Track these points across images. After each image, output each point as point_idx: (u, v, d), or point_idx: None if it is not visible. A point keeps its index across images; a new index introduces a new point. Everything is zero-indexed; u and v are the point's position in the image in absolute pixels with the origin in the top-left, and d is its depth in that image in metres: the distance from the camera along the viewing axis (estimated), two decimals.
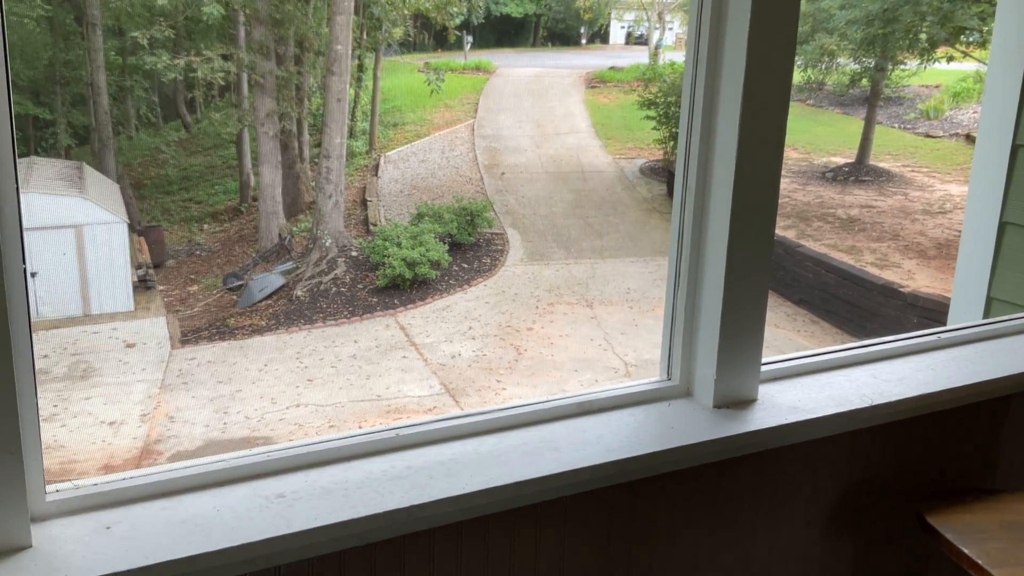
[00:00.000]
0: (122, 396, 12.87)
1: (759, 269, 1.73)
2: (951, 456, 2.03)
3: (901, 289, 13.93)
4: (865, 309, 14.39)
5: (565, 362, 13.84)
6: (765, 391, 1.83)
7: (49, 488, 1.35)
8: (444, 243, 17.09)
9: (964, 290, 2.71)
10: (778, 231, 16.82)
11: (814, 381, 1.92)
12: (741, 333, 1.75)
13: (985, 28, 16.36)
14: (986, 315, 2.60)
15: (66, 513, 1.34)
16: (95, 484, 1.38)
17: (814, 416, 1.76)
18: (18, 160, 1.22)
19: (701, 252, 1.75)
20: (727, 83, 1.65)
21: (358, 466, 1.51)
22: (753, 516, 1.79)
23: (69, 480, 1.38)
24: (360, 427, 12.12)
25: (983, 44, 17.13)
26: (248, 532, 1.31)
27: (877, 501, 1.94)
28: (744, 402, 1.79)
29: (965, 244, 2.77)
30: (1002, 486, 2.08)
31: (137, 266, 16.64)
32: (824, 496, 1.87)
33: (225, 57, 18.94)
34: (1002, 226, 2.65)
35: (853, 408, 1.80)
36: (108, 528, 1.32)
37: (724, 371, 1.75)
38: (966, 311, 2.66)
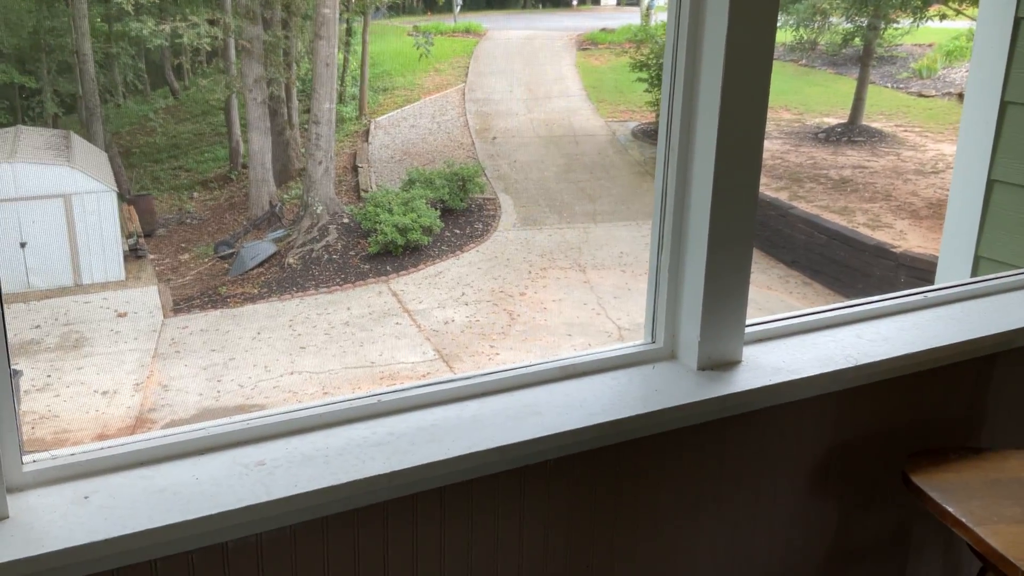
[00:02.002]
0: (115, 365, 12.87)
1: (742, 231, 1.72)
2: (936, 415, 2.03)
3: (893, 249, 13.95)
4: (857, 270, 14.42)
5: (558, 326, 13.87)
6: (749, 353, 1.82)
7: (26, 459, 1.34)
8: (436, 209, 17.03)
9: (952, 249, 2.70)
10: (771, 193, 16.78)
11: (799, 342, 1.91)
12: (725, 295, 1.74)
13: None
14: (974, 274, 2.60)
15: (43, 483, 1.33)
16: (72, 454, 1.37)
17: (798, 377, 1.75)
18: (5, 129, 1.19)
19: (684, 215, 1.73)
20: (709, 42, 1.62)
21: (340, 432, 1.50)
22: (738, 477, 1.79)
23: (47, 451, 1.37)
24: (354, 393, 12.16)
25: (976, 2, 16.98)
26: (227, 500, 1.31)
27: (863, 461, 1.94)
28: (728, 364, 1.78)
29: (953, 202, 2.75)
30: (987, 444, 2.09)
31: (127, 235, 16.56)
32: (809, 456, 1.87)
33: (211, 22, 18.71)
34: (990, 184, 2.64)
35: (838, 368, 1.80)
36: (86, 498, 1.31)
37: (708, 333, 1.74)
38: (954, 270, 2.65)
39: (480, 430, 1.52)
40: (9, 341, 1.28)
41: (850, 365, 1.81)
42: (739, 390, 1.69)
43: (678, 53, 1.67)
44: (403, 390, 1.61)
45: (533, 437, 1.51)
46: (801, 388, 1.76)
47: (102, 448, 1.39)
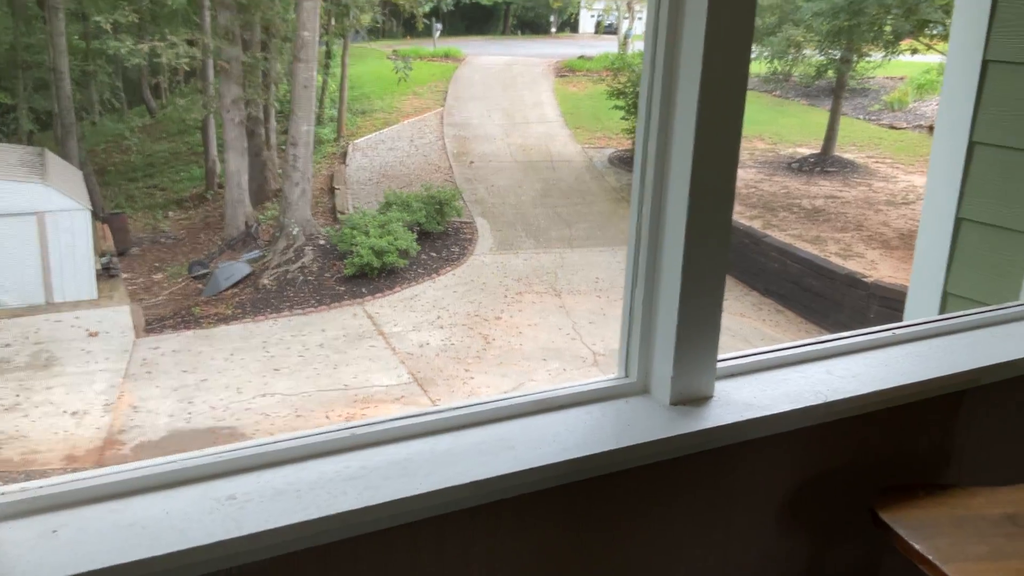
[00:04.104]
0: (85, 386, 12.72)
1: (715, 268, 1.74)
2: (905, 451, 2.05)
3: (864, 279, 14.11)
4: (829, 299, 14.56)
5: (534, 351, 13.88)
6: (721, 388, 1.84)
7: None
8: (413, 232, 17.05)
9: (920, 285, 2.74)
10: (744, 221, 16.94)
11: (770, 377, 1.93)
12: (698, 331, 1.75)
13: (948, 21, 16.54)
14: (942, 310, 2.64)
15: (11, 516, 1.32)
16: (40, 487, 1.36)
17: (769, 413, 1.77)
18: None
19: (658, 252, 1.75)
20: (685, 74, 1.64)
21: (312, 466, 1.50)
22: (709, 513, 1.80)
23: (16, 484, 1.36)
24: (327, 417, 12.07)
25: (947, 37, 17.31)
26: (197, 535, 1.30)
27: (832, 497, 1.96)
28: (700, 399, 1.80)
29: (922, 240, 2.80)
30: (955, 481, 2.12)
31: (100, 254, 16.43)
32: (780, 492, 1.89)
33: (190, 42, 18.71)
34: (958, 222, 2.69)
35: (808, 405, 1.82)
36: (54, 532, 1.30)
37: (681, 369, 1.76)
38: (922, 306, 2.69)
39: (453, 465, 1.53)
40: None
41: (820, 402, 1.83)
42: (710, 426, 1.71)
43: (654, 85, 1.70)
44: (377, 423, 1.61)
45: (506, 472, 1.52)
46: (772, 424, 1.78)
47: (72, 480, 1.38)
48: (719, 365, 1.85)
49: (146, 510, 1.36)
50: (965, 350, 2.17)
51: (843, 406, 1.86)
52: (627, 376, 1.85)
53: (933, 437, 2.09)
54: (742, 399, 1.81)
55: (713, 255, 1.73)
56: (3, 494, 1.34)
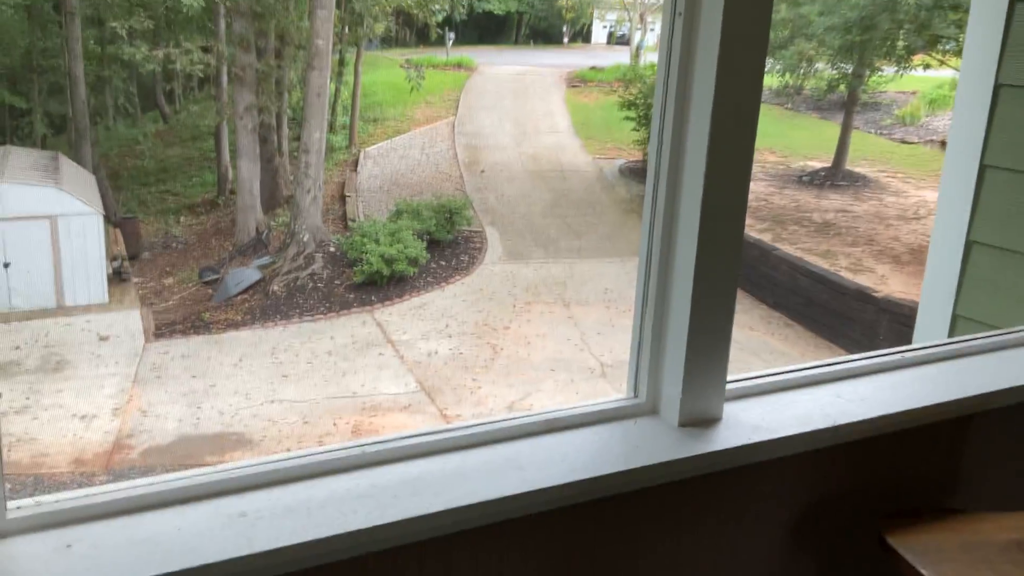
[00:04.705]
0: (94, 389, 12.78)
1: (726, 290, 1.75)
2: (913, 476, 2.06)
3: (874, 294, 14.08)
4: (839, 313, 14.53)
5: (541, 362, 13.89)
6: (730, 409, 1.85)
7: (11, 504, 1.34)
8: (422, 240, 17.09)
9: (930, 307, 2.74)
10: (754, 234, 16.92)
11: (778, 400, 1.94)
12: (707, 353, 1.76)
13: (961, 37, 16.53)
14: (951, 333, 2.64)
15: (27, 530, 1.34)
16: (56, 500, 1.37)
17: (777, 436, 1.78)
18: None
19: (669, 273, 1.76)
20: (698, 87, 1.66)
21: (322, 484, 1.51)
22: (716, 535, 1.81)
23: (32, 498, 1.37)
24: (335, 424, 12.10)
25: (959, 53, 17.30)
26: (208, 552, 1.31)
27: (839, 520, 1.97)
28: (709, 421, 1.80)
29: (932, 261, 2.81)
30: (962, 506, 2.12)
31: (112, 258, 16.52)
32: (786, 515, 1.89)
33: (205, 49, 18.82)
34: (969, 244, 2.69)
35: (816, 428, 1.82)
36: (69, 546, 1.31)
37: (690, 390, 1.77)
38: (932, 328, 2.70)
39: (462, 484, 1.54)
40: None
41: (828, 425, 1.83)
42: (719, 448, 1.72)
43: (666, 106, 1.71)
44: (387, 441, 1.62)
45: (514, 493, 1.53)
46: (780, 447, 1.79)
47: (86, 495, 1.39)
48: (728, 387, 1.86)
49: (159, 526, 1.37)
50: (974, 374, 2.17)
51: (851, 430, 1.87)
52: (636, 396, 1.86)
53: (941, 461, 2.10)
54: (750, 421, 1.82)
55: (724, 277, 1.74)
56: (19, 508, 1.35)
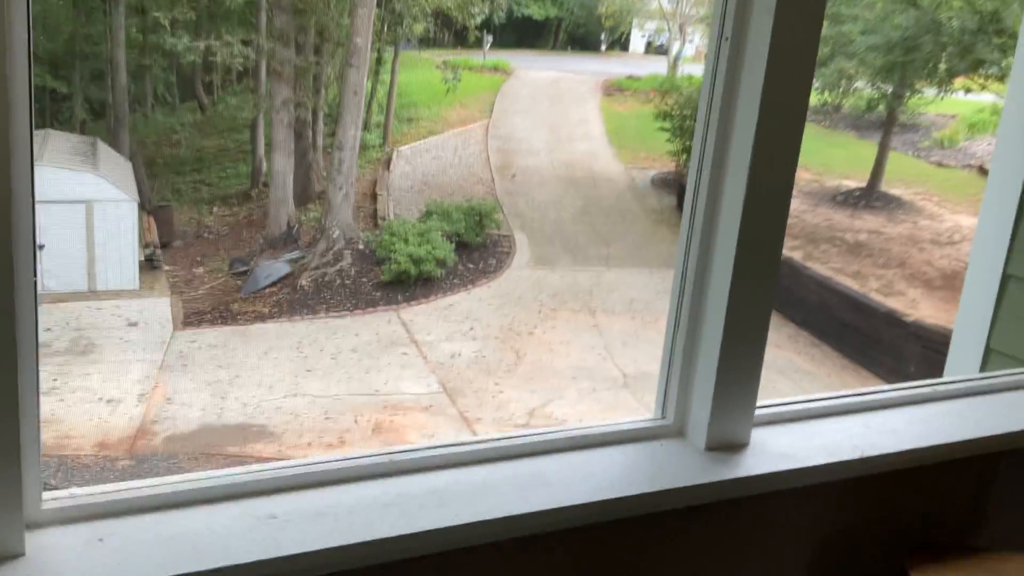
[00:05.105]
0: (121, 374, 12.93)
1: (760, 315, 1.75)
2: (939, 511, 2.04)
3: (904, 318, 13.93)
4: (867, 335, 14.39)
5: (564, 369, 13.87)
6: (757, 436, 1.84)
7: (45, 496, 1.37)
8: (451, 242, 17.13)
9: (963, 339, 2.72)
10: (785, 251, 16.79)
11: (807, 428, 1.93)
12: (738, 377, 1.76)
13: (1005, 62, 16.34)
14: (984, 366, 2.61)
15: (60, 522, 1.36)
16: (90, 494, 1.40)
17: (805, 465, 1.77)
18: (34, 132, 1.22)
19: (703, 294, 1.76)
20: (743, 105, 1.66)
21: (351, 490, 1.53)
22: (738, 561, 1.80)
23: (66, 489, 1.40)
24: (356, 421, 12.15)
25: (1001, 78, 17.13)
26: (238, 553, 1.33)
27: (862, 552, 1.95)
28: (736, 446, 1.80)
29: (967, 292, 2.78)
30: (988, 544, 2.10)
31: (145, 245, 16.71)
32: (810, 544, 1.89)
33: (245, 43, 19.00)
34: (1006, 278, 2.66)
35: (844, 459, 1.81)
36: (101, 540, 1.34)
37: (718, 414, 1.77)
38: (964, 360, 2.67)
39: (489, 497, 1.55)
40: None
41: (856, 456, 1.83)
42: (746, 475, 1.71)
43: (710, 125, 1.71)
44: (415, 450, 1.64)
45: (540, 509, 1.53)
46: (806, 476, 1.78)
47: (119, 490, 1.42)
48: (756, 412, 1.85)
49: (190, 524, 1.39)
50: (1005, 411, 2.15)
51: (879, 462, 1.86)
52: (663, 417, 1.86)
53: (968, 498, 2.08)
54: (778, 449, 1.81)
55: (759, 302, 1.74)
56: (54, 499, 1.38)
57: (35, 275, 1.28)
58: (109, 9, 20.36)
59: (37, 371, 1.32)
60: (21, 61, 1.18)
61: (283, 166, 18.63)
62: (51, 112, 22.77)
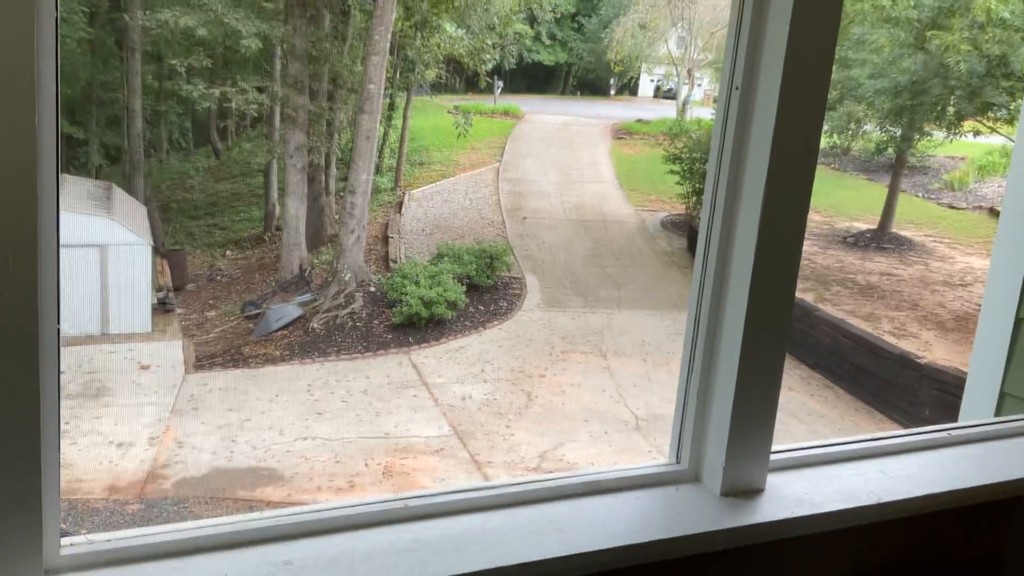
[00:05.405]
0: (133, 418, 12.94)
1: (773, 359, 1.75)
2: (955, 557, 2.02)
3: (918, 360, 13.85)
4: (881, 377, 14.30)
5: (576, 411, 13.81)
6: (773, 481, 1.84)
7: (64, 541, 1.37)
8: (462, 284, 17.18)
9: (977, 383, 2.71)
10: (797, 293, 16.79)
11: (822, 474, 1.92)
12: (753, 422, 1.76)
13: (1013, 104, 16.42)
14: (999, 411, 2.60)
15: (78, 568, 1.37)
16: (108, 540, 1.41)
17: (821, 511, 1.76)
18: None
19: (716, 338, 1.77)
20: (750, 176, 1.68)
21: (365, 536, 1.53)
22: None
23: (83, 535, 1.41)
24: (366, 465, 12.10)
25: (1010, 120, 17.19)
26: None
27: None
28: (752, 491, 1.80)
29: (981, 336, 2.78)
30: None
31: (158, 288, 16.80)
32: None
33: (260, 89, 19.26)
34: (1018, 321, 2.66)
35: (860, 505, 1.81)
36: None
37: (733, 459, 1.76)
38: (979, 405, 2.66)
39: (504, 544, 1.55)
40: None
41: (873, 502, 1.82)
42: (762, 521, 1.71)
43: (720, 173, 1.73)
44: (430, 495, 1.64)
45: (555, 556, 1.53)
46: (822, 522, 1.77)
47: (136, 536, 1.42)
48: (772, 456, 1.85)
49: (206, 571, 1.40)
50: (1021, 456, 2.15)
51: (895, 508, 1.85)
52: (678, 462, 1.86)
53: (985, 544, 2.06)
54: (794, 494, 1.81)
55: (773, 346, 1.74)
56: (72, 544, 1.39)
57: (58, 322, 1.30)
58: (126, 56, 20.71)
59: (59, 419, 1.33)
60: (49, 112, 1.21)
61: (296, 210, 18.78)
62: (67, 157, 23.04)
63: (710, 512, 1.71)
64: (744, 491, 1.79)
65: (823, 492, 1.84)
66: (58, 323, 1.29)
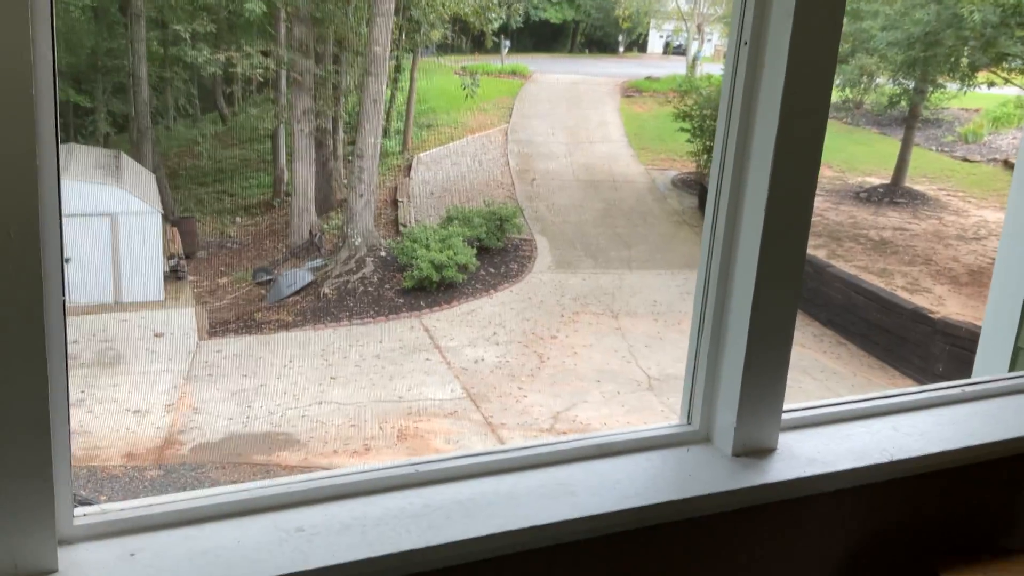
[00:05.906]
0: (148, 385, 13.04)
1: (785, 317, 1.74)
2: (970, 513, 2.02)
3: (931, 315, 13.79)
4: (894, 333, 14.26)
5: (588, 372, 13.84)
6: (784, 440, 1.83)
7: (77, 512, 1.38)
8: (472, 247, 17.15)
9: (992, 338, 2.69)
10: (809, 250, 16.69)
11: (834, 432, 1.92)
12: (764, 381, 1.75)
13: None
14: (1013, 366, 2.58)
15: (92, 537, 1.37)
16: (121, 509, 1.41)
17: (833, 470, 1.76)
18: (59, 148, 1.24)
19: (727, 299, 1.75)
20: (760, 131, 1.65)
21: (377, 501, 1.53)
22: (766, 567, 1.79)
23: (97, 504, 1.42)
24: (381, 428, 12.19)
25: None
26: (267, 567, 1.34)
27: (892, 557, 1.93)
28: (763, 451, 1.79)
29: (995, 291, 2.75)
30: (1020, 545, 2.07)
31: (169, 256, 16.83)
32: (840, 549, 1.87)
33: (265, 53, 19.12)
34: None
35: (872, 463, 1.80)
36: (132, 555, 1.35)
37: (745, 419, 1.76)
38: (993, 360, 2.64)
39: (514, 507, 1.55)
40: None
41: (885, 460, 1.81)
42: (773, 480, 1.70)
43: (730, 129, 1.70)
44: (441, 460, 1.64)
45: (566, 518, 1.53)
46: (835, 480, 1.77)
47: (150, 504, 1.43)
48: (783, 416, 1.84)
49: (220, 537, 1.40)
50: None
51: (908, 465, 1.84)
52: (689, 423, 1.85)
53: (999, 500, 2.05)
54: (806, 453, 1.80)
55: (784, 305, 1.73)
56: (85, 515, 1.39)
57: (64, 292, 1.29)
58: (130, 23, 20.53)
59: (67, 388, 1.33)
60: (46, 79, 1.19)
61: (305, 175, 18.73)
62: (75, 126, 22.99)
63: (722, 472, 1.71)
64: (756, 451, 1.78)
65: (835, 451, 1.83)
66: (63, 292, 1.28)
